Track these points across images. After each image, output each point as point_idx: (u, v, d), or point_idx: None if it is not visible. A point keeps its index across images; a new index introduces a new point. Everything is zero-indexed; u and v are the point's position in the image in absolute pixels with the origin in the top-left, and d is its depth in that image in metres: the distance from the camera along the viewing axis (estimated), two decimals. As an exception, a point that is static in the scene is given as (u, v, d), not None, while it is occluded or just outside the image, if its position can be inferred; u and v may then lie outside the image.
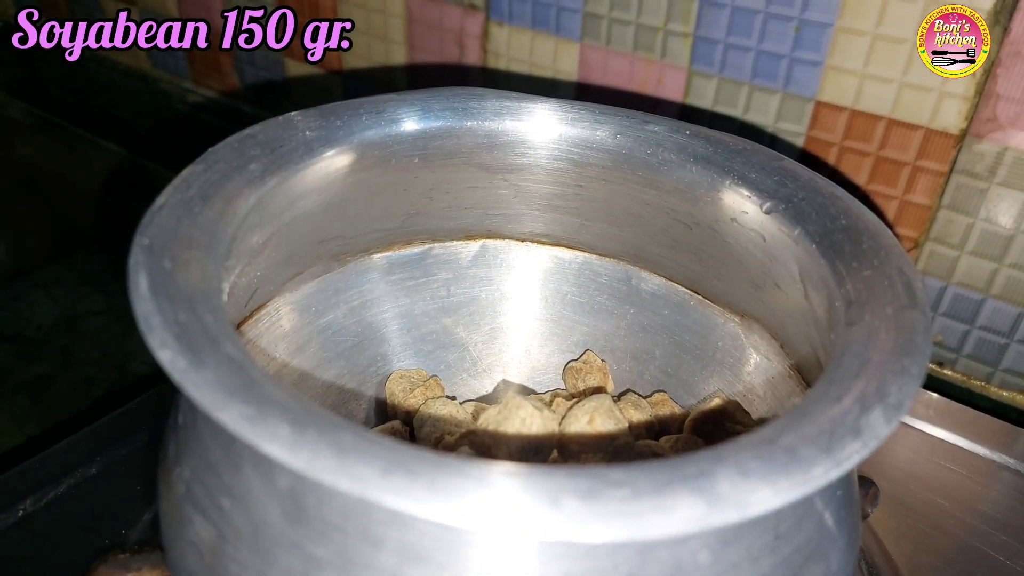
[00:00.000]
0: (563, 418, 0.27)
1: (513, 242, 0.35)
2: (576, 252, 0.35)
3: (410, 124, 0.29)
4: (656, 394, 0.33)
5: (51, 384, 0.61)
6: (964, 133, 0.39)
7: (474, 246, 0.35)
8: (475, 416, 0.30)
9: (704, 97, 0.46)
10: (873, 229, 0.24)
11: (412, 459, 0.15)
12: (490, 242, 0.35)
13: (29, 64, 0.89)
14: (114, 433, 0.37)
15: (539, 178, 0.31)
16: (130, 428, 0.37)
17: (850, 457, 0.16)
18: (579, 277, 0.35)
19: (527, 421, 0.26)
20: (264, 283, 0.29)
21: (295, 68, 0.64)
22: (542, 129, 0.30)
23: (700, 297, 0.33)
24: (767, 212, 0.26)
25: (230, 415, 0.16)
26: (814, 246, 0.24)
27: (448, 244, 0.34)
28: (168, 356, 0.17)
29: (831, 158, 0.43)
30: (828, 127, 0.42)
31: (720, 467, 0.16)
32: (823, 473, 0.16)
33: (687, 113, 0.47)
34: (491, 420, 0.27)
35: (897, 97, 0.40)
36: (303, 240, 0.29)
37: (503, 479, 0.15)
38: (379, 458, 0.15)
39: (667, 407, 0.32)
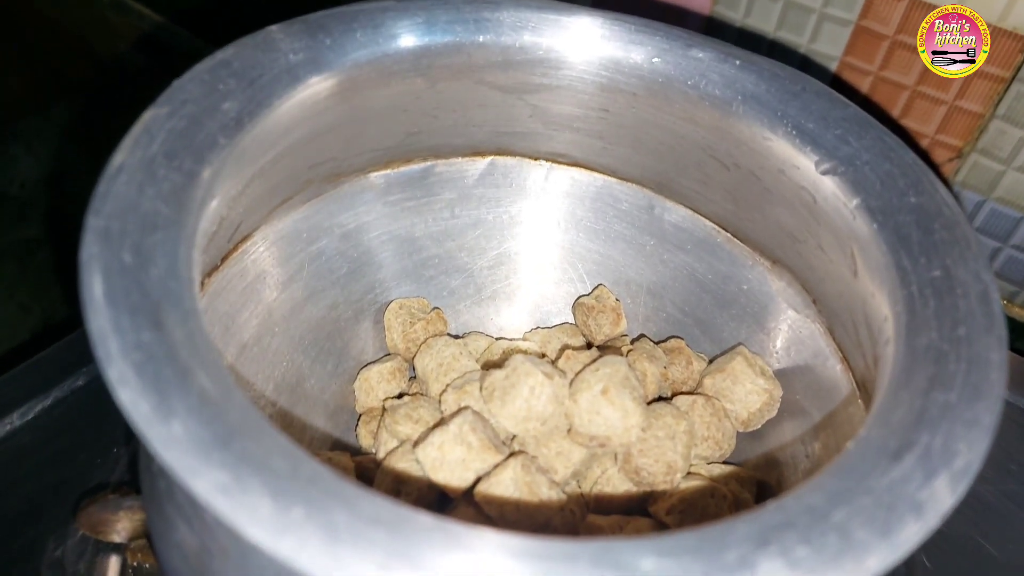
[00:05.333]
0: (572, 381, 0.25)
1: (525, 160, 0.31)
2: (595, 174, 0.31)
3: (412, 40, 0.24)
4: (671, 339, 0.30)
5: (39, 248, 0.59)
6: (1038, 37, 0.34)
7: (482, 163, 0.31)
8: (483, 367, 0.28)
9: (735, 7, 0.39)
10: (948, 214, 0.20)
11: (413, 547, 0.13)
12: (499, 159, 0.31)
13: None
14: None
15: (560, 99, 0.27)
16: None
17: (909, 540, 0.14)
18: (596, 202, 0.32)
19: (536, 390, 0.24)
20: (248, 215, 0.26)
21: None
22: (567, 47, 0.26)
23: (728, 235, 0.30)
24: (823, 173, 0.22)
25: (202, 485, 0.14)
26: (875, 226, 0.21)
27: (453, 161, 0.31)
28: (129, 397, 0.15)
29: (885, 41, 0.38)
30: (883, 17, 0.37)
31: (763, 555, 0.14)
32: (878, 563, 0.14)
33: (712, 27, 0.40)
34: (497, 385, 0.25)
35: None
36: (290, 169, 0.26)
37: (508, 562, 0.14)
38: (377, 548, 0.13)
39: (683, 355, 0.29)
